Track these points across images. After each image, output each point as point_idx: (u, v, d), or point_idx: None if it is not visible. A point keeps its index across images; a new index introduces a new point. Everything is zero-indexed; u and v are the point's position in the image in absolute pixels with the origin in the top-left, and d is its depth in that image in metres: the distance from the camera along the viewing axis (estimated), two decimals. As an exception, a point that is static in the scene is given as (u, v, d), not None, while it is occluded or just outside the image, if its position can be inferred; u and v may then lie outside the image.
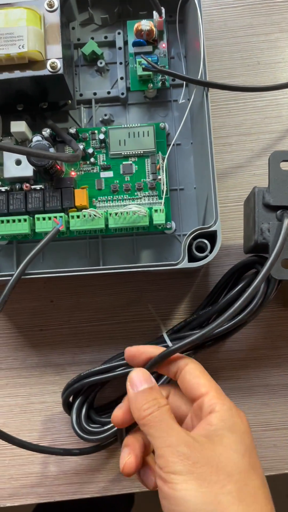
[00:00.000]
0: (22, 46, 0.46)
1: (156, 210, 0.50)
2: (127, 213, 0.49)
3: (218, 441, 0.33)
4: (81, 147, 0.52)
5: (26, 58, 0.47)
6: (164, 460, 0.32)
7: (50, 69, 0.47)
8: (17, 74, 0.47)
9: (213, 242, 0.45)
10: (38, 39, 0.47)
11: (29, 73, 0.47)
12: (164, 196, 0.50)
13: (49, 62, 0.47)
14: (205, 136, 0.47)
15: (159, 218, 0.50)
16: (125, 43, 0.56)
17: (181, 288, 0.54)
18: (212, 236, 0.45)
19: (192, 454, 0.32)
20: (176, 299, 0.54)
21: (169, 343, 0.49)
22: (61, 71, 0.47)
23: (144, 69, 0.51)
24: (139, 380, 0.37)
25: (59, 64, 0.47)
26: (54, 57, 0.47)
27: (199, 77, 0.47)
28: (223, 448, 0.33)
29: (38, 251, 0.45)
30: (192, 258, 0.45)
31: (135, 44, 0.53)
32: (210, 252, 0.45)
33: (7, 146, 0.42)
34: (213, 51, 0.58)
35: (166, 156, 0.52)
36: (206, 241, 0.45)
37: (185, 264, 0.44)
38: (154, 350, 0.40)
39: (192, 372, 0.38)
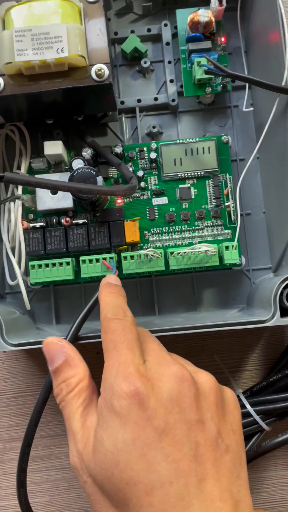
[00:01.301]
0: (62, 50, 0.36)
1: (227, 247, 0.41)
2: (191, 252, 0.40)
3: (93, 451, 0.26)
4: (130, 169, 0.43)
5: (66, 65, 0.37)
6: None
7: (96, 78, 0.37)
8: (53, 85, 0.37)
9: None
10: (80, 39, 0.37)
11: (69, 83, 0.37)
12: (238, 229, 0.41)
13: (94, 69, 0.37)
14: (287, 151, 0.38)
15: (231, 257, 0.41)
16: (173, 36, 0.46)
17: (252, 332, 0.46)
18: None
19: (81, 470, 0.27)
20: (246, 346, 0.45)
21: (248, 407, 0.40)
22: (109, 80, 0.38)
23: (207, 72, 0.41)
24: (52, 354, 0.31)
25: (106, 71, 0.37)
26: (100, 62, 0.38)
27: (284, 84, 0.37)
28: (96, 463, 0.26)
29: (88, 311, 0.36)
30: (283, 311, 0.37)
31: (190, 39, 0.43)
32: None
33: (52, 183, 0.33)
34: None
35: (240, 179, 0.42)
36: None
37: (277, 321, 0.36)
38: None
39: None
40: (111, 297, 0.31)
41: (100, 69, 0.37)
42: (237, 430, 0.28)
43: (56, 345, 0.30)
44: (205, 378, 0.28)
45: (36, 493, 0.45)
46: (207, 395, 0.27)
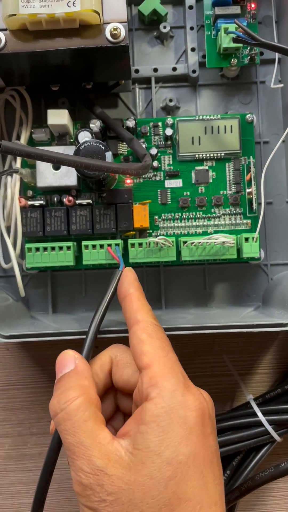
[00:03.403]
0: (74, 3, 0.31)
1: (246, 239, 0.37)
2: (207, 243, 0.36)
3: (140, 462, 0.23)
4: (143, 146, 0.38)
5: (77, 21, 0.32)
6: (74, 483, 0.24)
7: (110, 38, 0.33)
8: (62, 44, 0.33)
9: None
10: (95, -8, 0.32)
11: (79, 43, 0.33)
12: (260, 220, 0.37)
13: (108, 28, 0.33)
14: None
15: (251, 250, 0.37)
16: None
17: (265, 333, 0.42)
18: None
19: (98, 488, 0.23)
20: (258, 347, 0.42)
21: (260, 415, 0.37)
22: (125, 42, 0.33)
23: (236, 40, 0.36)
24: (59, 364, 0.27)
25: (123, 30, 0.33)
26: (116, 21, 0.33)
27: None
28: (142, 475, 0.23)
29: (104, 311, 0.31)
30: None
31: (217, 3, 0.38)
32: None
33: (56, 156, 0.28)
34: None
35: (266, 164, 0.38)
36: None
37: (301, 325, 0.32)
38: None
39: (138, 335, 0.27)
40: (145, 299, 0.29)
41: (116, 28, 0.33)
42: None
43: (69, 355, 0.27)
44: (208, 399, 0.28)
45: (23, 494, 0.42)
46: (212, 418, 0.27)
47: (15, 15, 0.32)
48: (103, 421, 0.25)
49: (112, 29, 0.33)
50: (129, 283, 0.29)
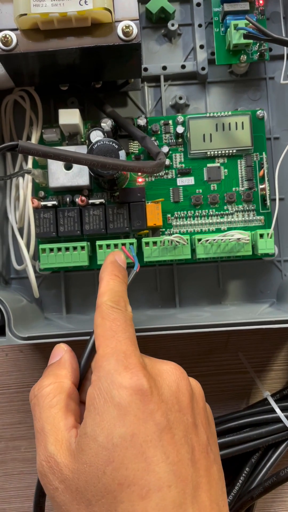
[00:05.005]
0: (86, 2, 0.31)
1: (261, 235, 0.37)
2: (221, 240, 0.36)
3: (80, 449, 0.23)
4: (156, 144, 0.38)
5: (89, 20, 0.32)
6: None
7: (123, 36, 0.33)
8: (74, 43, 0.33)
9: None
10: (106, -10, 0.32)
11: (91, 41, 0.33)
12: (275, 216, 0.37)
13: (120, 26, 0.33)
14: None
15: (266, 247, 0.37)
16: (205, -4, 0.41)
17: (280, 329, 0.42)
18: None
19: (51, 475, 0.23)
20: (273, 344, 0.42)
21: (278, 411, 0.37)
22: (138, 39, 0.33)
23: (246, 37, 0.36)
24: (51, 355, 0.28)
25: (135, 28, 0.33)
26: (128, 18, 0.33)
27: None
28: (82, 463, 0.23)
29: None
30: None
31: (226, -1, 0.38)
32: None
33: (73, 155, 0.28)
34: None
35: (280, 159, 0.38)
36: None
37: None
38: None
39: (95, 320, 0.26)
40: (115, 281, 0.28)
41: (128, 26, 0.32)
42: (216, 442, 0.27)
43: (60, 348, 0.28)
44: (195, 382, 0.27)
45: (6, 500, 0.41)
46: (198, 400, 0.26)
47: (26, 14, 0.32)
48: (74, 410, 0.25)
49: (124, 27, 0.32)
50: (104, 267, 0.29)
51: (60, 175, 0.37)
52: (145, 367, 0.24)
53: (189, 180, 0.39)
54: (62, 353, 0.27)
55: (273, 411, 0.37)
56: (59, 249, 0.37)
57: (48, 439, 0.24)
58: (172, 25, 0.41)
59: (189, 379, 0.26)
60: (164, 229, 0.39)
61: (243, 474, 0.37)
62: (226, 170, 0.39)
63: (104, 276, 0.28)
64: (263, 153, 0.39)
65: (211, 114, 0.39)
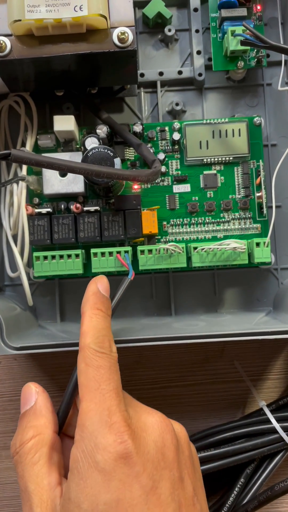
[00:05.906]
0: (81, 8, 0.31)
1: (258, 244, 0.36)
2: (217, 248, 0.36)
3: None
4: (151, 151, 0.38)
5: (84, 26, 0.32)
6: None
7: (118, 43, 0.32)
8: (69, 49, 0.32)
9: None
10: (102, -4, 0.32)
11: (87, 48, 0.32)
12: (272, 224, 0.37)
13: (116, 33, 0.32)
14: None
15: (263, 255, 0.36)
16: (202, 1, 0.41)
17: (277, 339, 0.41)
18: None
19: None
20: (270, 353, 0.41)
21: (273, 421, 0.36)
22: (133, 46, 0.32)
23: (244, 43, 0.36)
24: (22, 398, 0.27)
25: (130, 35, 0.32)
26: (123, 25, 0.32)
27: None
28: None
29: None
30: None
31: (223, 5, 0.38)
32: None
33: (66, 164, 0.28)
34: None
35: (278, 167, 0.38)
36: None
37: None
38: None
39: (78, 365, 0.25)
40: (98, 317, 0.27)
41: (123, 32, 0.32)
42: (202, 486, 0.26)
43: (30, 389, 0.27)
44: (180, 428, 0.26)
45: None
46: (184, 448, 0.25)
47: (20, 20, 0.31)
48: (57, 463, 0.24)
49: (119, 34, 0.32)
50: (85, 300, 0.28)
51: (54, 182, 0.37)
52: (129, 425, 0.23)
53: (185, 187, 0.39)
54: (34, 397, 0.27)
55: (268, 421, 0.37)
56: (53, 257, 0.36)
57: (33, 501, 0.23)
58: (169, 30, 0.41)
59: (173, 424, 0.25)
60: (159, 237, 0.39)
61: (238, 485, 0.37)
62: (222, 178, 0.39)
63: (86, 311, 0.27)
64: (260, 160, 0.38)
65: (208, 121, 0.39)
